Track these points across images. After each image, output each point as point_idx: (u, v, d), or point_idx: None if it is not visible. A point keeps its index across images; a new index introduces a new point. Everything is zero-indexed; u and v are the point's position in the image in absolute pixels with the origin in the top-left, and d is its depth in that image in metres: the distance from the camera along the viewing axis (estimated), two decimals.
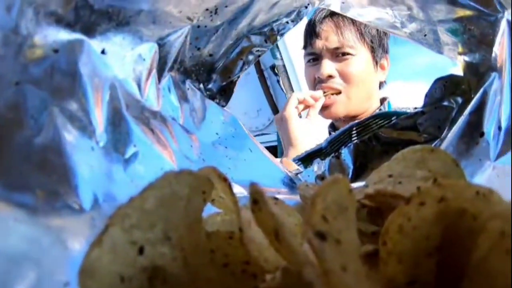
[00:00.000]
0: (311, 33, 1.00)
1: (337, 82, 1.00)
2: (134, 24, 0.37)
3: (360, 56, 1.01)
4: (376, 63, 1.04)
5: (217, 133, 0.51)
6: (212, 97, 0.52)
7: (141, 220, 0.18)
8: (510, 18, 0.31)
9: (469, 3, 0.35)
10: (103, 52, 0.34)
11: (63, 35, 0.29)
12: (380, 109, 1.03)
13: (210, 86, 0.53)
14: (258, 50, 0.55)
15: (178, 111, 0.45)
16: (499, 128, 0.31)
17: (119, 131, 0.34)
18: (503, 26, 0.32)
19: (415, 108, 1.01)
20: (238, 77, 0.55)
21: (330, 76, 0.99)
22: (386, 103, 1.06)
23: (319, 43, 1.00)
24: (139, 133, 0.37)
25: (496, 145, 0.31)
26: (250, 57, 0.55)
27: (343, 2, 0.51)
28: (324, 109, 0.99)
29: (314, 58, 1.04)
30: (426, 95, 0.44)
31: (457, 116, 0.39)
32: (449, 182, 0.19)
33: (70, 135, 0.29)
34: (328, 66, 0.99)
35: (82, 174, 0.29)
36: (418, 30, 0.44)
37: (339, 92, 0.99)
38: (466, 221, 0.18)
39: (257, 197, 0.18)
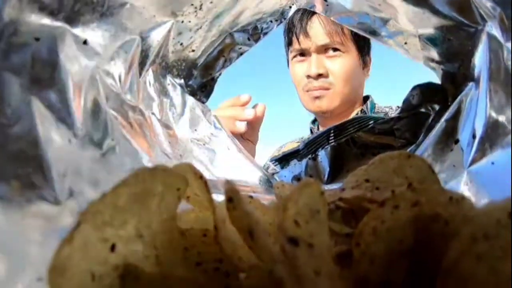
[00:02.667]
0: (297, 29, 1.00)
1: (326, 81, 1.00)
2: (117, 16, 0.36)
3: (348, 54, 1.01)
4: (362, 60, 1.06)
5: (195, 130, 0.51)
6: (192, 93, 0.52)
7: (113, 217, 0.18)
8: (490, 31, 0.32)
9: (450, 13, 0.36)
10: (85, 42, 0.33)
11: (46, 23, 0.29)
12: (362, 109, 1.04)
13: (190, 82, 0.53)
14: (240, 48, 0.55)
15: (157, 106, 0.45)
16: (474, 136, 0.32)
17: (97, 124, 0.34)
18: (483, 38, 0.33)
19: (398, 106, 1.02)
20: (220, 74, 0.55)
21: (320, 75, 0.99)
22: (369, 101, 1.07)
23: (307, 40, 0.99)
24: (117, 126, 0.36)
25: (470, 152, 0.32)
26: (232, 55, 0.55)
27: (327, 5, 0.51)
28: (317, 98, 1.01)
29: (301, 54, 1.04)
30: (404, 101, 0.45)
31: (434, 123, 0.40)
32: (423, 187, 0.20)
33: (48, 126, 0.29)
34: (317, 64, 0.99)
35: (58, 166, 0.28)
36: (398, 38, 0.44)
37: (329, 88, 0.99)
38: (438, 226, 0.19)
39: (231, 195, 0.18)
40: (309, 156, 0.50)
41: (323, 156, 0.48)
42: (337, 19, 0.51)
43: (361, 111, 1.03)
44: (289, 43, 1.06)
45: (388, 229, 0.19)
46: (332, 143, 0.49)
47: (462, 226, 0.18)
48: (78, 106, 0.32)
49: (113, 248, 0.18)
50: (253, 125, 0.71)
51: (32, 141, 0.27)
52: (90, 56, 0.34)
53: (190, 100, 0.50)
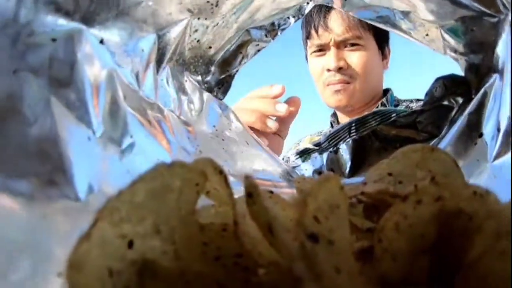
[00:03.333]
0: (316, 23, 0.99)
1: (346, 74, 0.99)
2: (133, 14, 0.36)
3: (367, 47, 1.00)
4: (382, 52, 1.04)
5: (214, 126, 0.51)
6: (210, 90, 0.52)
7: (131, 213, 0.18)
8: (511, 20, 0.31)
9: (472, 4, 0.35)
10: (101, 42, 0.33)
11: (62, 24, 0.29)
12: (382, 102, 1.03)
13: (208, 78, 0.52)
14: (257, 45, 0.55)
15: (175, 102, 0.45)
16: (498, 129, 0.31)
17: (116, 121, 0.34)
18: (506, 28, 0.32)
19: (417, 100, 1.01)
20: (237, 70, 0.55)
21: (341, 68, 0.98)
22: (389, 94, 1.06)
23: (326, 34, 0.98)
24: (136, 124, 0.37)
25: (494, 146, 0.31)
26: (250, 51, 0.54)
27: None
28: (338, 92, 1.00)
29: (320, 49, 1.03)
30: (427, 94, 0.44)
31: (457, 116, 0.39)
32: (447, 181, 0.19)
33: (67, 125, 0.29)
34: (337, 58, 0.98)
35: (78, 164, 0.29)
36: (419, 30, 0.43)
37: (349, 82, 0.98)
38: (462, 221, 0.18)
39: (251, 190, 0.18)
40: (330, 149, 0.50)
41: (344, 149, 0.48)
42: (356, 13, 0.50)
43: (381, 104, 1.02)
44: (307, 37, 1.05)
45: (411, 224, 0.18)
46: (354, 137, 0.48)
47: (486, 221, 0.17)
48: (97, 105, 0.32)
49: (130, 244, 0.17)
50: (285, 120, 0.65)
51: (52, 139, 0.27)
52: (107, 55, 0.34)
53: (208, 96, 0.50)
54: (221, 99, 0.54)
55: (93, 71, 0.32)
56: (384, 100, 1.04)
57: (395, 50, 1.13)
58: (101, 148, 0.32)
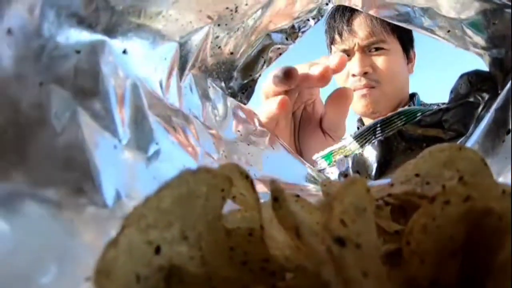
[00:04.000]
0: (340, 28, 0.99)
1: (372, 79, 0.98)
2: (155, 24, 0.37)
3: (392, 51, 0.99)
4: (407, 56, 1.03)
5: (238, 131, 0.51)
6: (233, 95, 0.53)
7: (158, 219, 0.18)
8: None
9: None
10: (124, 52, 0.34)
11: (85, 36, 0.29)
12: (409, 105, 1.01)
13: (231, 84, 0.53)
14: (279, 48, 0.55)
15: (199, 109, 0.45)
16: None
17: (141, 129, 0.34)
18: None
19: (443, 103, 1.00)
20: (260, 75, 0.55)
21: (366, 73, 0.97)
22: (415, 98, 1.04)
23: (350, 38, 0.98)
24: (161, 131, 0.37)
25: None
26: (271, 55, 0.54)
27: None
28: (364, 97, 0.98)
29: (345, 54, 1.02)
30: (451, 91, 0.43)
31: (483, 113, 0.38)
32: (475, 180, 0.19)
33: (93, 134, 0.29)
34: (362, 62, 0.97)
35: (105, 172, 0.29)
36: (440, 26, 0.43)
37: (375, 87, 0.96)
38: (491, 221, 0.18)
39: (277, 195, 0.18)
40: (356, 151, 0.49)
41: (370, 151, 0.47)
42: (376, 12, 0.50)
43: (408, 105, 1.01)
44: (331, 42, 1.05)
45: (439, 226, 0.18)
46: (379, 138, 0.48)
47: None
48: (122, 114, 0.33)
49: (158, 250, 0.18)
50: (337, 104, 0.56)
51: (79, 148, 0.28)
52: (130, 64, 0.35)
53: (232, 102, 0.50)
54: (245, 104, 0.54)
55: (117, 81, 0.32)
56: (410, 103, 1.02)
57: (420, 53, 1.12)
58: (128, 155, 0.32)
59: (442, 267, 0.18)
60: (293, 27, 0.54)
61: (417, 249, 0.18)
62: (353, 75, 0.98)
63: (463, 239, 0.18)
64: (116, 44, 0.33)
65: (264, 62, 0.54)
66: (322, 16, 0.53)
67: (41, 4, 0.26)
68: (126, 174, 0.32)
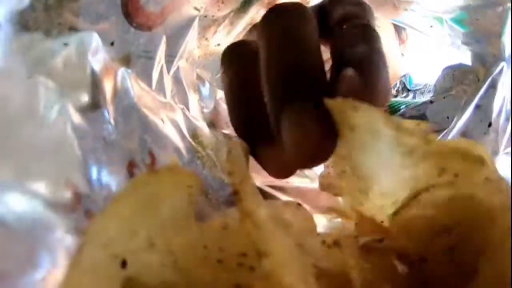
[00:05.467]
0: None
1: None
2: (142, 16, 0.37)
3: (383, 28, 1.01)
4: (398, 36, 1.05)
5: (226, 122, 0.51)
6: (220, 87, 0.53)
7: (120, 230, 0.17)
8: None
9: None
10: (112, 44, 0.34)
11: (74, 30, 0.30)
12: (401, 80, 1.03)
13: (218, 75, 0.53)
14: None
15: (187, 100, 0.46)
16: (507, 118, 0.31)
17: (130, 122, 0.35)
18: (508, 14, 0.32)
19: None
20: None
21: None
22: (407, 76, 1.06)
23: None
24: (150, 123, 0.37)
25: (504, 135, 0.31)
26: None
27: None
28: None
29: None
30: (435, 85, 0.44)
31: (466, 106, 0.39)
32: (459, 167, 0.19)
33: (82, 126, 0.30)
34: None
35: (94, 165, 0.29)
36: (423, 21, 0.44)
37: None
38: (476, 206, 0.18)
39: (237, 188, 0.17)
40: None
41: None
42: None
43: (399, 82, 1.03)
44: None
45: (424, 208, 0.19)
46: None
47: (500, 213, 0.17)
48: (111, 106, 0.33)
49: (124, 263, 0.17)
50: None
51: (67, 141, 0.28)
52: (118, 56, 0.35)
53: (219, 93, 0.51)
54: None
55: (105, 73, 0.32)
56: (403, 78, 1.04)
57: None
58: (115, 148, 0.33)
59: (429, 244, 0.18)
60: None
61: (403, 225, 0.19)
62: None
63: (449, 221, 0.19)
64: (104, 36, 0.33)
65: None
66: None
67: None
68: (115, 166, 0.32)
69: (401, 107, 0.46)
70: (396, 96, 1.00)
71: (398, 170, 0.20)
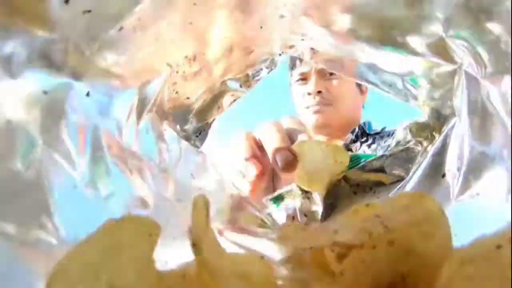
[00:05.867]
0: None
1: (325, 97, 1.08)
2: (118, 68, 0.38)
3: (346, 81, 1.07)
4: (359, 86, 1.11)
5: (191, 174, 0.52)
6: (187, 138, 0.54)
7: (83, 273, 0.18)
8: (466, 68, 0.34)
9: (430, 55, 0.38)
10: (87, 94, 0.35)
11: (54, 78, 0.31)
12: (360, 125, 1.09)
13: (186, 127, 0.54)
14: (233, 95, 0.57)
15: (155, 151, 0.46)
16: (459, 169, 0.34)
17: (99, 170, 0.35)
18: (461, 75, 0.35)
19: (392, 131, 1.06)
20: (214, 119, 0.57)
21: (320, 92, 1.07)
22: (367, 123, 1.12)
23: (308, 63, 1.06)
24: (118, 172, 0.38)
25: (456, 185, 0.34)
26: (226, 101, 0.57)
27: (313, 52, 0.54)
28: (317, 112, 1.09)
29: (303, 78, 1.13)
30: (393, 139, 0.47)
31: (422, 159, 0.42)
32: (398, 225, 0.21)
33: (55, 172, 0.30)
34: (318, 83, 1.08)
35: (62, 210, 0.30)
36: (383, 81, 0.47)
37: (329, 105, 1.04)
38: (419, 260, 0.20)
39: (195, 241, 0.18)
40: (303, 194, 0.51)
41: (316, 194, 0.50)
42: (325, 65, 0.54)
43: (359, 127, 1.09)
44: (292, 68, 1.14)
45: (368, 266, 0.20)
46: None
47: (444, 263, 0.19)
48: (82, 154, 0.33)
49: None
50: None
51: (39, 185, 0.28)
52: (93, 106, 0.36)
53: (186, 145, 0.52)
54: (198, 147, 0.55)
55: (80, 121, 0.33)
56: (361, 123, 1.10)
57: None
58: (85, 195, 0.33)
59: None
60: (247, 75, 0.57)
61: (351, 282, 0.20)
62: (309, 94, 1.07)
63: (393, 276, 0.20)
64: (80, 86, 0.34)
65: (219, 107, 0.57)
66: (275, 66, 0.57)
67: (13, 44, 0.27)
68: (83, 214, 0.32)
69: (361, 160, 0.49)
70: (355, 141, 1.06)
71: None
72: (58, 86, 0.31)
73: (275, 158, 0.52)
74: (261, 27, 0.49)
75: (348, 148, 1.05)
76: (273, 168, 0.60)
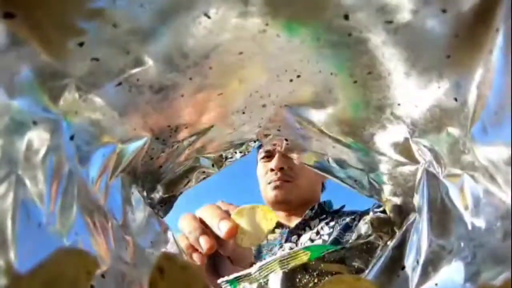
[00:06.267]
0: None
1: (287, 174, 1.14)
2: (104, 121, 0.40)
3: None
4: None
5: (151, 242, 0.51)
6: (152, 206, 0.54)
7: None
8: (428, 168, 0.37)
9: (394, 155, 0.42)
10: (71, 138, 0.36)
11: (47, 111, 0.32)
12: (320, 204, 1.16)
13: (152, 195, 0.55)
14: (204, 172, 0.59)
15: (120, 211, 0.46)
16: (417, 261, 0.35)
17: (66, 216, 0.35)
18: (423, 174, 0.38)
19: (353, 212, 1.08)
20: (181, 192, 0.58)
21: (282, 168, 1.14)
22: (327, 202, 1.16)
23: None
24: (83, 223, 0.37)
25: (415, 277, 0.35)
26: (197, 177, 0.58)
27: (287, 144, 0.57)
28: (277, 188, 1.14)
29: (268, 156, 1.20)
30: (354, 232, 0.48)
31: (382, 252, 0.44)
32: None
33: (23, 207, 0.30)
34: (280, 160, 1.14)
35: (23, 245, 0.29)
36: (349, 176, 0.50)
37: (289, 181, 1.12)
38: None
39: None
40: (261, 280, 0.51)
41: (274, 281, 0.50)
42: (296, 157, 0.57)
43: (318, 205, 1.12)
44: (259, 146, 1.19)
45: None
46: (284, 269, 0.50)
47: None
48: (54, 195, 0.33)
49: None
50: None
51: (4, 217, 0.28)
52: (73, 151, 0.36)
53: (150, 212, 0.52)
54: (162, 217, 0.55)
55: (59, 162, 0.34)
56: (322, 202, 1.13)
57: None
58: (48, 237, 0.32)
59: None
60: (220, 156, 0.59)
61: None
62: (271, 170, 1.10)
63: None
64: (67, 128, 0.35)
65: (188, 182, 0.58)
66: (248, 152, 0.59)
67: (21, 65, 0.28)
68: (43, 255, 0.32)
69: (322, 251, 0.49)
70: (314, 218, 1.08)
71: None
72: (47, 120, 0.32)
73: (219, 228, 0.59)
74: (244, 113, 0.53)
75: (306, 224, 1.07)
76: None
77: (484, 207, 0.29)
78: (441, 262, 0.32)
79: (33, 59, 0.29)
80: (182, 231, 0.63)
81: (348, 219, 0.94)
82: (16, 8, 0.28)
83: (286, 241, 1.06)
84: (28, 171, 0.30)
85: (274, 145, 1.05)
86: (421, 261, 0.35)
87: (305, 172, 1.14)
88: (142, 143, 0.47)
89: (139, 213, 0.50)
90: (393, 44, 0.33)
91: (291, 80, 0.44)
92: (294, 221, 1.11)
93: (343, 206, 1.16)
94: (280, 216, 1.18)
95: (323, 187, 1.29)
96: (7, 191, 0.28)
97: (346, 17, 0.33)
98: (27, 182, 0.30)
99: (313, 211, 1.13)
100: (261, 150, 1.23)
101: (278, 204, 1.15)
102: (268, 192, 1.14)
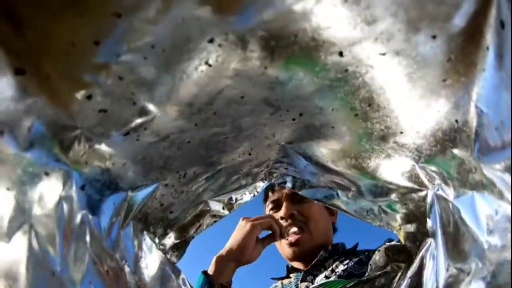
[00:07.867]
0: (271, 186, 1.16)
1: (298, 220, 1.12)
2: (114, 170, 0.40)
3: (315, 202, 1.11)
4: (328, 208, 1.16)
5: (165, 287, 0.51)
6: (164, 252, 0.54)
7: None
8: (437, 192, 0.37)
9: (403, 182, 0.42)
10: (82, 188, 0.36)
11: (58, 162, 0.32)
12: (334, 245, 1.16)
13: (164, 241, 0.54)
14: (214, 215, 0.59)
15: (132, 258, 0.46)
16: (437, 287, 0.34)
17: (79, 264, 0.35)
18: (433, 198, 0.38)
19: (366, 250, 1.07)
20: (193, 237, 0.57)
21: (292, 215, 1.11)
22: (340, 243, 1.16)
23: (280, 191, 1.16)
24: (96, 271, 0.37)
25: None
26: (207, 221, 0.58)
27: (295, 181, 0.58)
28: (292, 245, 1.12)
29: (275, 206, 1.18)
30: (370, 264, 0.47)
31: (401, 281, 0.43)
32: None
33: (37, 255, 0.30)
34: (289, 207, 1.13)
35: None
36: (361, 208, 0.50)
37: (302, 231, 1.11)
38: None
39: None
40: None
41: None
42: (304, 193, 0.57)
43: (332, 246, 1.11)
44: (265, 199, 1.20)
45: None
46: None
47: None
48: (66, 244, 0.33)
49: None
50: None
51: (19, 264, 0.28)
52: (84, 200, 0.37)
53: (163, 258, 0.51)
54: (174, 263, 0.55)
55: (70, 211, 0.34)
56: (335, 244, 1.13)
57: None
58: (62, 284, 0.32)
59: None
60: (230, 198, 0.59)
61: None
62: (282, 218, 1.09)
63: None
64: (78, 178, 0.35)
65: (200, 226, 0.57)
66: (258, 192, 0.59)
67: (32, 118, 0.29)
68: None
69: (339, 286, 0.49)
70: (328, 258, 1.06)
71: None
72: (59, 171, 0.33)
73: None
74: (250, 154, 0.53)
75: (321, 265, 1.05)
76: None
77: (498, 224, 0.29)
78: (460, 285, 0.32)
79: (44, 112, 0.30)
80: None
81: (362, 256, 0.93)
82: (26, 64, 0.29)
83: (302, 281, 1.05)
84: (40, 220, 0.31)
85: (280, 188, 1.07)
86: (440, 286, 0.34)
87: (315, 214, 1.14)
88: (152, 190, 0.48)
89: (152, 260, 0.50)
90: (389, 74, 0.34)
91: (293, 119, 0.44)
92: (308, 264, 1.10)
93: (356, 245, 1.15)
94: (295, 263, 1.17)
95: (334, 229, 1.28)
96: (21, 240, 0.29)
97: (341, 54, 0.34)
98: (40, 231, 0.31)
99: (327, 252, 1.12)
100: (268, 203, 1.22)
101: (297, 258, 1.15)
102: (285, 249, 1.13)
